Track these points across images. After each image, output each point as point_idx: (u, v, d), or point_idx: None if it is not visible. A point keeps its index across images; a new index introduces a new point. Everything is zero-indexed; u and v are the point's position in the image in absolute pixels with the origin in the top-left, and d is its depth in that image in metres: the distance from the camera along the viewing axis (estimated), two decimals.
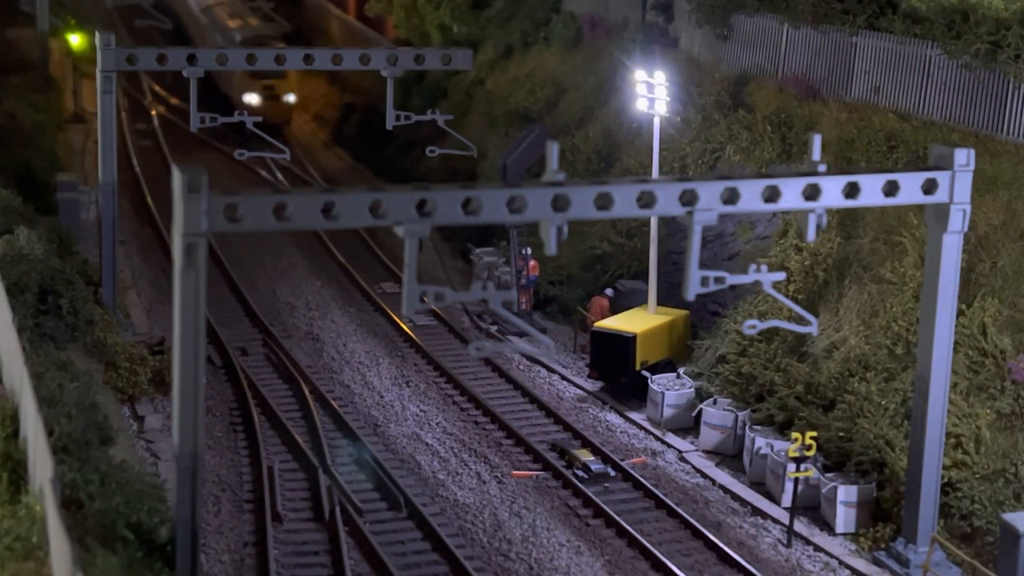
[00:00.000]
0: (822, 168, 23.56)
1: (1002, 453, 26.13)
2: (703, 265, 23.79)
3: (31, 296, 29.32)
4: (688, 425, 32.10)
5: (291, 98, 60.73)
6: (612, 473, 29.81)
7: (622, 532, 27.20)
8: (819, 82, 35.47)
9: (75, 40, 60.50)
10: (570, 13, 50.35)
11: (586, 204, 22.14)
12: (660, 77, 34.70)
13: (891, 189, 23.92)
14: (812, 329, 25.14)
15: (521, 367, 36.49)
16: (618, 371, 33.91)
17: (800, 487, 27.29)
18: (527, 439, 31.28)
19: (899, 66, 32.84)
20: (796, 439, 26.72)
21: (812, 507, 28.03)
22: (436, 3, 57.94)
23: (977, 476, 26.01)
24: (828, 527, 27.51)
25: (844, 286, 31.05)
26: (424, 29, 59.05)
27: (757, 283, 24.04)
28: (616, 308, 36.43)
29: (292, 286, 42.32)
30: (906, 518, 25.79)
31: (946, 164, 24.13)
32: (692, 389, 32.44)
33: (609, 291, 37.40)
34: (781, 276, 24.57)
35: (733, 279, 23.73)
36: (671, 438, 31.87)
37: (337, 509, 27.21)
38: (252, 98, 58.32)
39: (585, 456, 30.24)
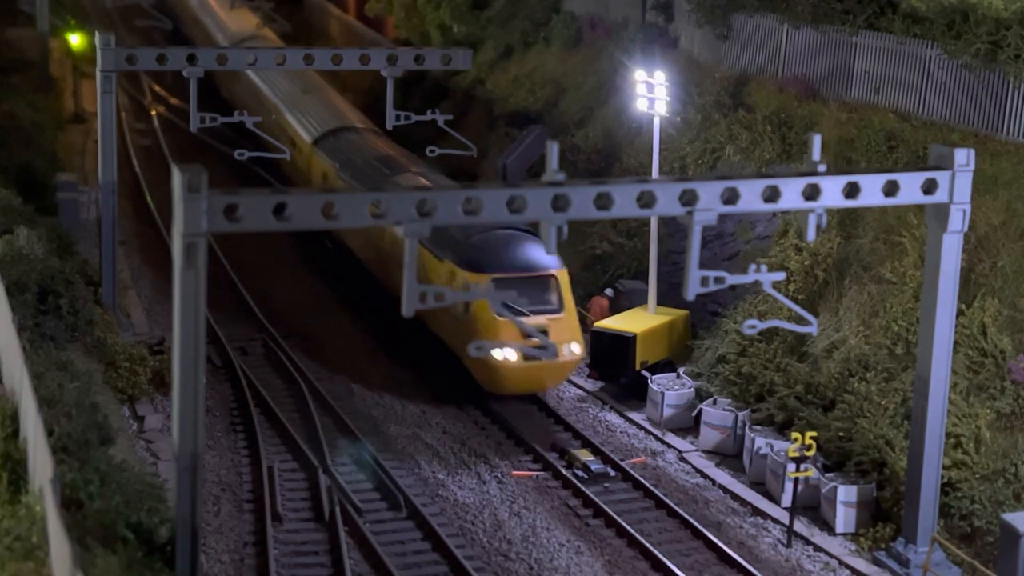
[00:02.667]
0: (822, 168, 23.55)
1: (1002, 453, 26.13)
2: (703, 265, 23.79)
3: (31, 296, 29.28)
4: (688, 425, 32.08)
5: (576, 349, 32.39)
6: (612, 473, 29.79)
7: (622, 532, 27.19)
8: (819, 82, 35.46)
9: (75, 40, 60.50)
10: (570, 13, 50.32)
11: (586, 204, 22.14)
12: (660, 77, 34.68)
13: (891, 189, 23.92)
14: (812, 329, 25.14)
15: None
16: (618, 371, 33.90)
17: (800, 487, 27.28)
18: (527, 439, 31.27)
19: (899, 66, 32.82)
20: (796, 439, 26.71)
21: (812, 507, 28.02)
22: (436, 3, 57.89)
23: (977, 476, 26.00)
24: (828, 527, 27.49)
25: (844, 286, 31.04)
26: (424, 29, 59.01)
27: (757, 283, 24.05)
28: (616, 308, 36.40)
29: (292, 286, 42.29)
30: (906, 518, 25.78)
31: (946, 164, 24.13)
32: (692, 389, 32.43)
33: (609, 291, 37.36)
34: (781, 276, 24.58)
35: (733, 279, 23.73)
36: (671, 438, 31.85)
37: (337, 509, 27.21)
38: (508, 354, 31.40)
39: (585, 456, 30.22)
